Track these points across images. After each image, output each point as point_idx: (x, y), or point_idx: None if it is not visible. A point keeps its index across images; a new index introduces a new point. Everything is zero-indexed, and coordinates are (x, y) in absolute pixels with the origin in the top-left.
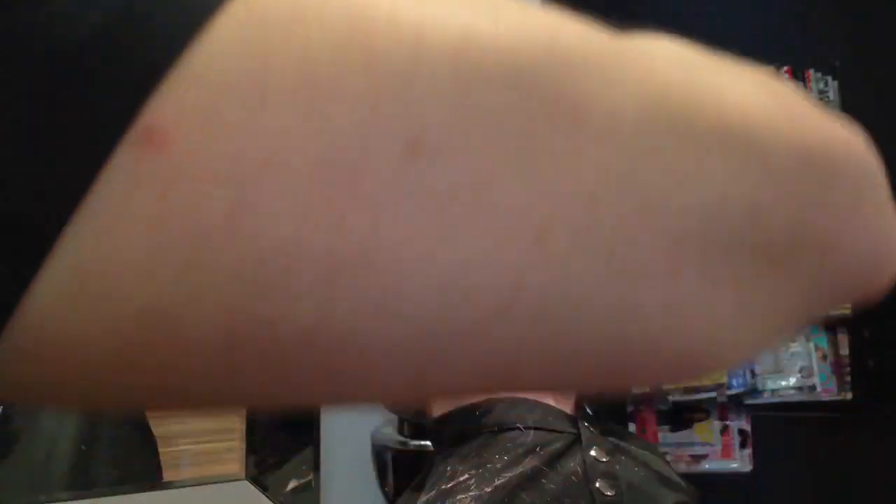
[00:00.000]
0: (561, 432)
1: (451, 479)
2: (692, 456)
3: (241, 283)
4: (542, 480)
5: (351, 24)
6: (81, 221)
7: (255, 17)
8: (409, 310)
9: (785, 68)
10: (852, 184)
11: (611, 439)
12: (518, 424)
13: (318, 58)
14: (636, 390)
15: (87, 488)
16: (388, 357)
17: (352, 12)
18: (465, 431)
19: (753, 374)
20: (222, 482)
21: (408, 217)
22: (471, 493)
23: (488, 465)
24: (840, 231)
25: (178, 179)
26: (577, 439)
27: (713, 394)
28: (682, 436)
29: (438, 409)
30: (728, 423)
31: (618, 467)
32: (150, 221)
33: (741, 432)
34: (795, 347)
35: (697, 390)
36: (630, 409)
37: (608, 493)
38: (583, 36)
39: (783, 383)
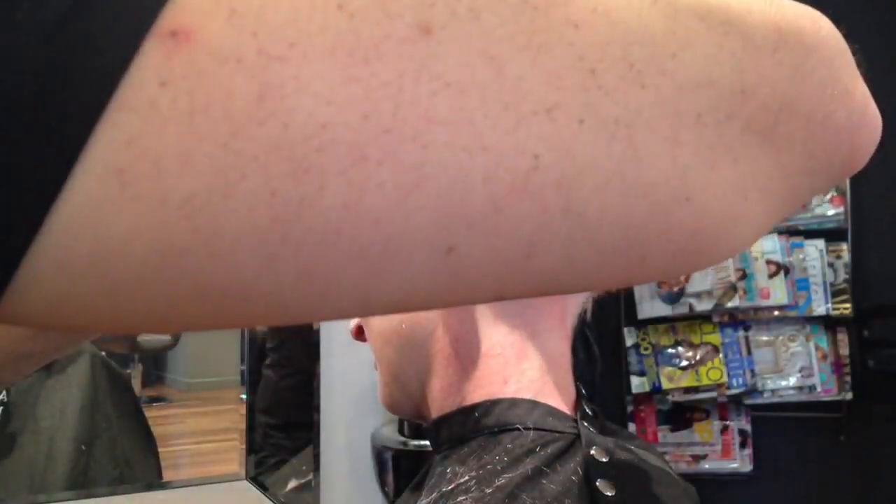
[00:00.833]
0: (561, 432)
1: (451, 480)
2: (692, 456)
3: (278, 163)
4: (543, 481)
5: None
6: (113, 118)
7: None
8: (433, 191)
9: None
10: (828, 56)
11: (611, 439)
12: (518, 425)
13: None
14: (659, 282)
15: (87, 488)
16: (415, 240)
17: None
18: (464, 432)
19: (753, 374)
20: (222, 482)
21: (426, 98)
22: (471, 495)
23: (488, 466)
24: (822, 99)
25: (206, 71)
26: (577, 439)
27: (713, 394)
28: (682, 436)
29: (437, 411)
30: (728, 423)
31: (618, 467)
32: (183, 114)
33: (741, 432)
34: (795, 347)
35: (697, 390)
36: (630, 409)
37: (608, 494)
38: None
39: (783, 383)
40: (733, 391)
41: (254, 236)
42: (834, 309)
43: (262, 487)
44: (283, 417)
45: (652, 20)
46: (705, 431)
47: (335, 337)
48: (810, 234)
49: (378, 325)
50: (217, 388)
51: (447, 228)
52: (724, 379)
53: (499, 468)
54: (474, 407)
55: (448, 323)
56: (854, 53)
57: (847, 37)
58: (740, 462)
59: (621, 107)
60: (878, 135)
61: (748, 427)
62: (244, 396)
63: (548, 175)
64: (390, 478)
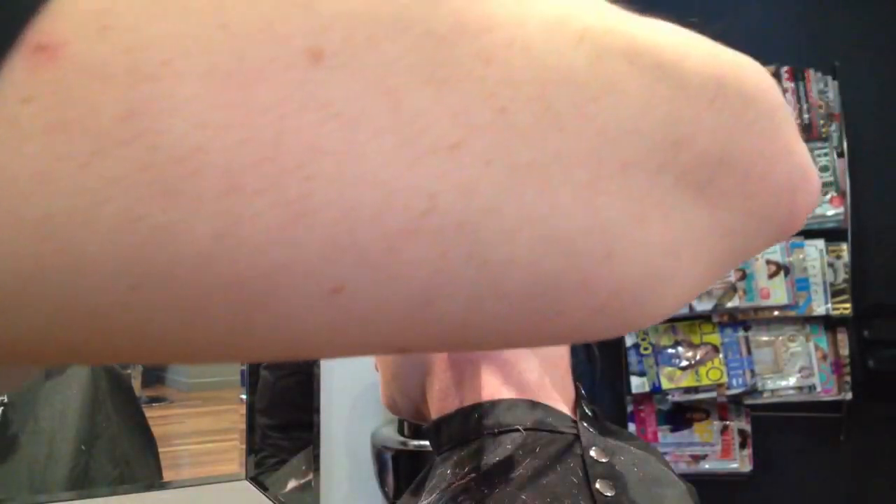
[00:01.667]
0: (561, 433)
1: (451, 481)
2: (692, 456)
3: (143, 188)
4: (542, 481)
5: None
6: None
7: None
8: (317, 225)
9: (785, 68)
10: (769, 109)
11: (610, 440)
12: (517, 426)
13: None
14: (576, 342)
15: (88, 488)
16: (296, 275)
17: None
18: (464, 433)
19: (753, 374)
20: (222, 482)
21: (312, 127)
22: (471, 495)
23: (488, 467)
24: (763, 154)
25: (72, 88)
26: (576, 440)
27: (713, 394)
28: (682, 436)
29: (437, 412)
30: (728, 423)
31: (617, 468)
32: (42, 132)
33: (741, 432)
34: (795, 347)
35: (697, 390)
36: (630, 409)
37: (608, 494)
38: None
39: (783, 383)
40: (733, 391)
41: (118, 262)
42: (834, 309)
43: (262, 487)
44: (280, 418)
45: (575, 60)
46: (705, 431)
47: None
48: (810, 234)
49: None
50: (217, 388)
51: (333, 265)
52: (724, 379)
53: (499, 469)
54: (474, 408)
55: None
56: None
57: (847, 37)
58: (740, 462)
59: (536, 150)
60: (815, 200)
61: (748, 427)
62: (244, 396)
63: (447, 217)
64: (390, 478)
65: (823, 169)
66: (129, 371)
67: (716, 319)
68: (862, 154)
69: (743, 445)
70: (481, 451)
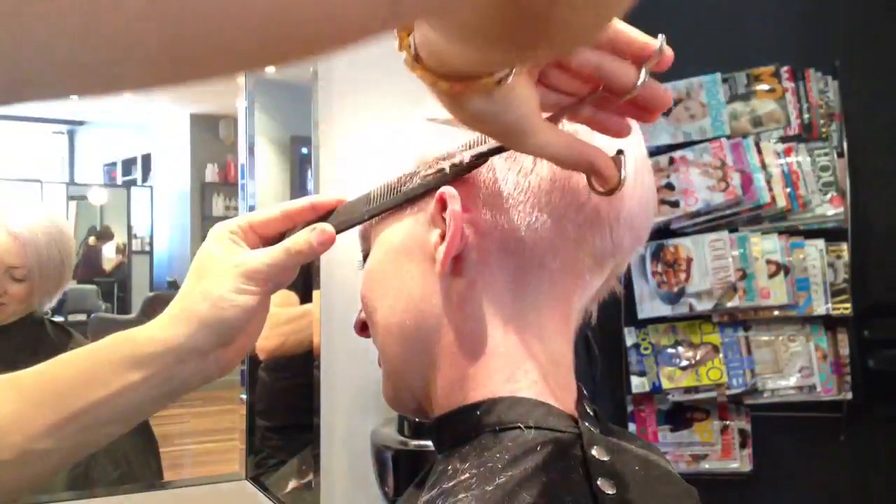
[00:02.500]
0: (562, 431)
1: (452, 478)
2: (692, 456)
3: None
4: (543, 479)
5: None
6: None
7: None
8: None
9: (785, 68)
10: None
11: (612, 439)
12: (519, 424)
13: None
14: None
15: (88, 488)
16: None
17: None
18: (466, 430)
19: (753, 374)
20: (222, 482)
21: None
22: (472, 492)
23: (489, 464)
24: None
25: None
26: (578, 438)
27: (713, 394)
28: (682, 436)
29: (439, 409)
30: (728, 423)
31: (619, 466)
32: None
33: (741, 432)
34: (795, 347)
35: (697, 390)
36: (630, 409)
37: (609, 492)
38: None
39: (783, 383)
40: (733, 391)
41: None
42: (834, 309)
43: (262, 487)
44: (278, 419)
45: None
46: (705, 431)
47: (335, 336)
48: (810, 234)
49: (382, 320)
50: (217, 388)
51: None
52: (724, 379)
53: (500, 466)
54: (476, 405)
55: (452, 320)
56: None
57: (847, 37)
58: (740, 462)
59: None
60: None
61: (748, 427)
62: (244, 396)
63: None
64: (390, 478)
65: (823, 169)
66: None
67: (716, 319)
68: (862, 154)
69: (743, 445)
70: (483, 448)
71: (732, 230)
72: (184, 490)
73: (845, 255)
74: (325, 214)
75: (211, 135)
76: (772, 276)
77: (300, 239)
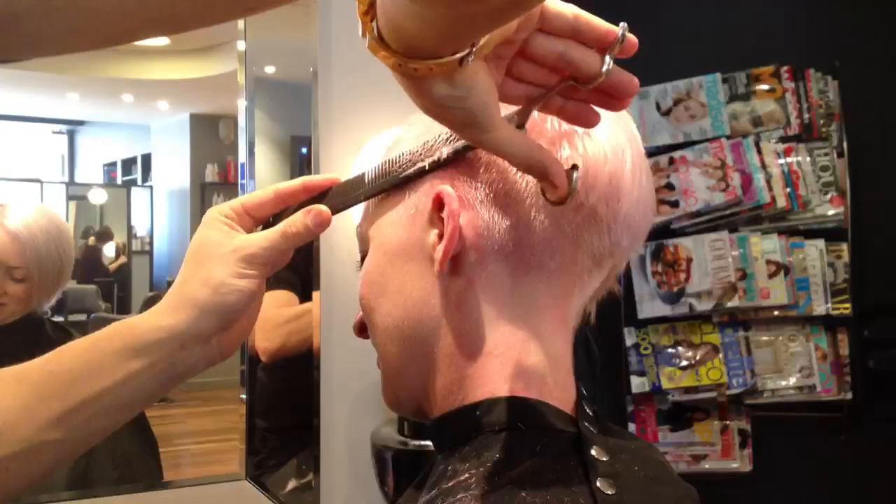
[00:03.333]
0: (562, 431)
1: (452, 478)
2: (692, 456)
3: None
4: (543, 479)
5: None
6: None
7: None
8: None
9: (785, 68)
10: None
11: (611, 439)
12: (518, 424)
13: None
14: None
15: (88, 488)
16: None
17: None
18: (465, 431)
19: (753, 374)
20: (222, 482)
21: None
22: (471, 492)
23: (489, 464)
24: None
25: None
26: (577, 439)
27: (713, 394)
28: (682, 436)
29: (439, 410)
30: (728, 423)
31: (618, 466)
32: None
33: (741, 432)
34: (795, 347)
35: (697, 390)
36: (630, 409)
37: (609, 493)
38: None
39: (783, 383)
40: (733, 391)
41: None
42: (834, 309)
43: (262, 487)
44: (278, 420)
45: None
46: (705, 431)
47: (335, 337)
48: (810, 234)
49: (381, 321)
50: (217, 388)
51: None
52: (724, 379)
53: (499, 466)
54: (476, 405)
55: (451, 320)
56: None
57: (847, 37)
58: (740, 462)
59: None
60: None
61: (748, 427)
62: (244, 396)
63: None
64: (390, 478)
65: (823, 169)
66: None
67: (716, 319)
68: (862, 154)
69: (743, 445)
70: (482, 448)
71: (732, 230)
72: (184, 490)
73: (845, 255)
74: (319, 195)
75: (211, 135)
76: (772, 276)
77: (297, 221)
